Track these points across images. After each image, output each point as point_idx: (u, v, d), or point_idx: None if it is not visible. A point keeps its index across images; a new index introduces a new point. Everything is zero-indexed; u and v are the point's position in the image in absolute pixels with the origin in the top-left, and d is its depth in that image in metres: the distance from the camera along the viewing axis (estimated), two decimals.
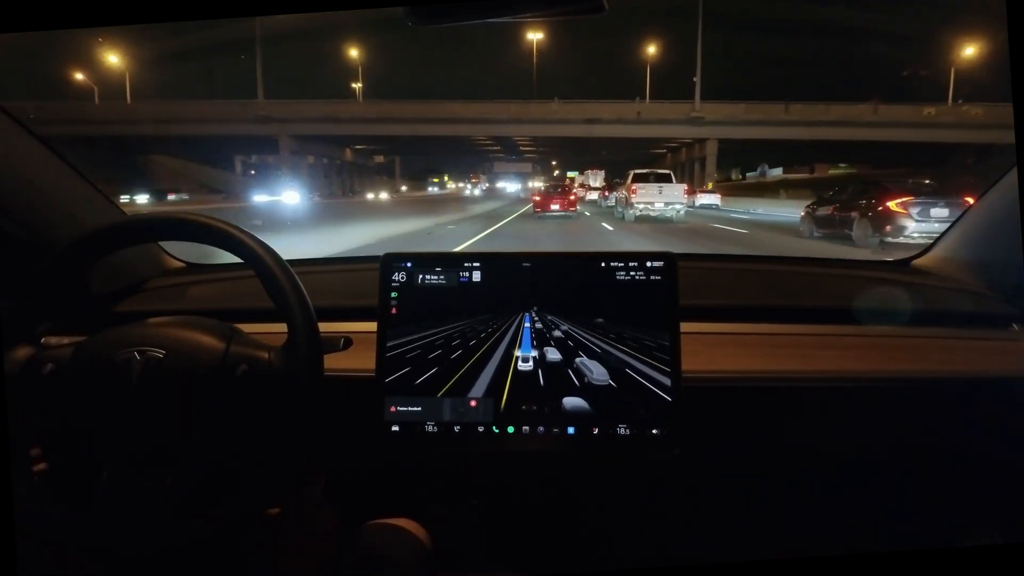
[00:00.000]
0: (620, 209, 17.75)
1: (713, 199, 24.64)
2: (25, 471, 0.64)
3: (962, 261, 1.02)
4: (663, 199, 16.28)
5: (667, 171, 17.62)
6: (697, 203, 22.56)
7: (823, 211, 9.83)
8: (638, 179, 16.85)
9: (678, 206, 16.18)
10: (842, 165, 44.70)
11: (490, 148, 56.87)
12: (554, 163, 70.56)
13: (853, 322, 0.92)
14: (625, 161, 51.04)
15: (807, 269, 1.19)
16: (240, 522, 0.77)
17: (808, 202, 11.09)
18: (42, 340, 0.74)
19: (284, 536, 0.83)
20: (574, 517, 0.85)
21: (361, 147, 53.32)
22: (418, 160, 67.28)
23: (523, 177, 66.24)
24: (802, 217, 10.50)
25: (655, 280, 0.82)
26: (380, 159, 67.18)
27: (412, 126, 39.54)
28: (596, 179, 42.54)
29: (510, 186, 55.31)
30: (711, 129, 40.19)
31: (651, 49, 41.63)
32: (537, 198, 19.15)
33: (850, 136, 33.11)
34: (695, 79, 38.10)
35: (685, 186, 17.14)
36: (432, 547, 0.83)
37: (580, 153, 61.17)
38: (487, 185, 63.59)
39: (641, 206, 15.93)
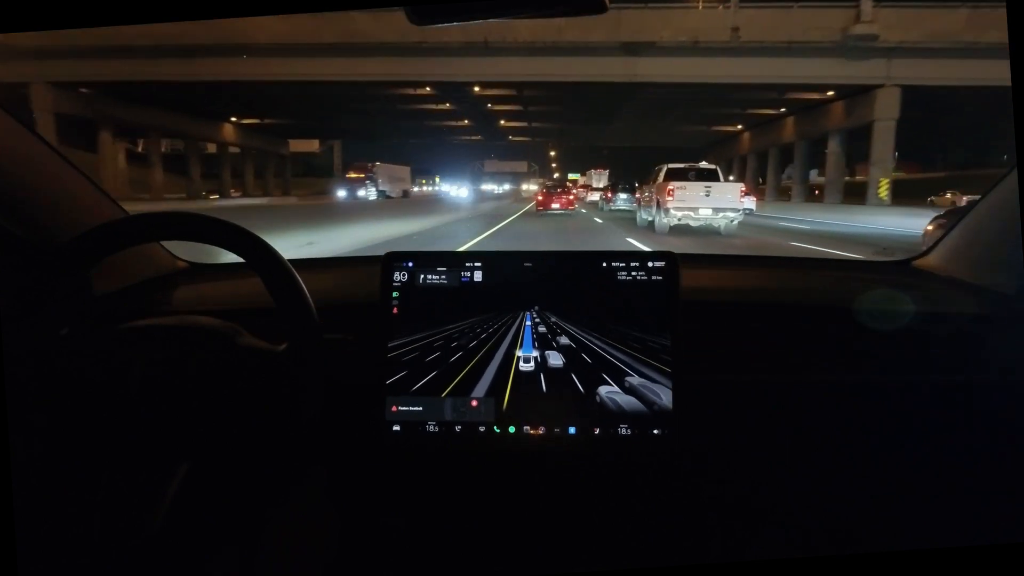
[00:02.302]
0: (646, 215, 14.69)
1: (747, 203, 19.24)
2: (27, 471, 0.71)
3: (963, 261, 1.12)
4: (711, 203, 12.52)
5: (712, 166, 14.29)
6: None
7: None
8: (674, 176, 13.28)
9: (731, 214, 12.70)
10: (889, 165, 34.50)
11: (449, 119, 35.04)
12: (554, 165, 65.92)
13: (854, 322, 1.02)
14: (634, 155, 43.50)
15: (807, 270, 1.30)
16: (241, 520, 0.83)
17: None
18: (44, 340, 0.82)
19: (284, 536, 0.91)
20: (575, 517, 0.94)
21: (253, 121, 31.43)
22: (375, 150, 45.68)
23: (516, 178, 60.03)
24: (928, 232, 7.53)
25: (656, 280, 0.90)
26: (312, 146, 45.02)
27: (262, 63, 21.12)
28: (600, 179, 40.29)
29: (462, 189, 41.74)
30: (886, 65, 12.72)
31: None
32: (540, 197, 21.93)
33: None
34: None
35: (741, 186, 13.80)
36: (432, 547, 0.93)
37: (588, 137, 48.57)
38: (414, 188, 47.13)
39: (680, 213, 12.48)
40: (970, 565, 0.64)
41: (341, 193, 36.10)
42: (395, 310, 0.90)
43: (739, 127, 35.65)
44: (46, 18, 0.65)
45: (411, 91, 27.69)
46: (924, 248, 1.21)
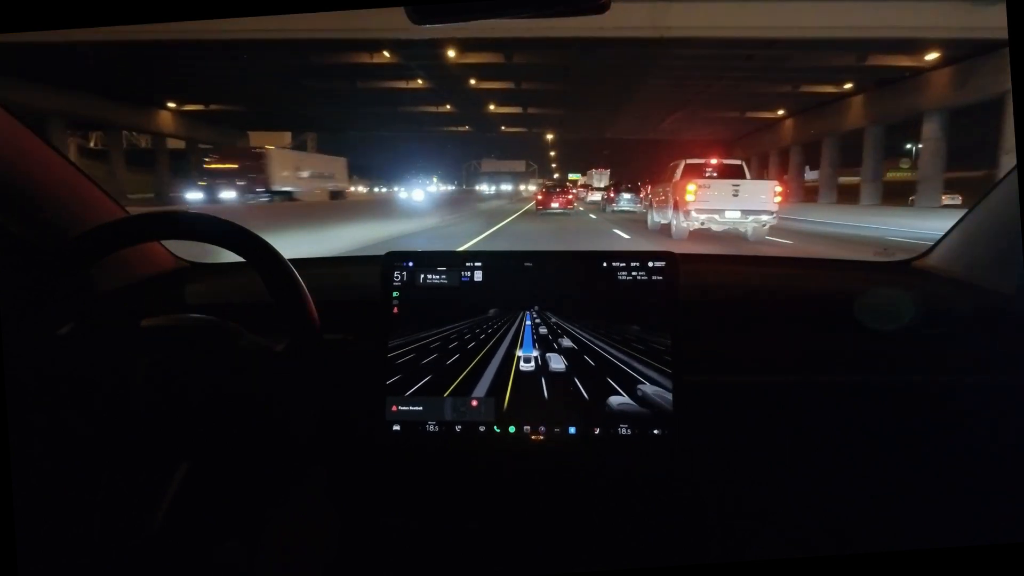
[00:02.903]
0: (659, 218, 12.85)
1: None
2: (27, 471, 0.74)
3: (962, 262, 1.13)
4: (739, 204, 10.77)
5: (738, 161, 12.48)
6: None
7: None
8: (693, 172, 11.59)
9: (764, 216, 10.78)
10: (904, 164, 32.52)
11: (427, 103, 29.48)
12: (554, 165, 65.78)
13: (854, 322, 1.02)
14: (637, 155, 41.56)
15: (807, 271, 1.31)
16: (241, 520, 0.83)
17: None
18: (44, 340, 0.83)
19: (284, 536, 0.91)
20: (575, 517, 0.96)
21: (196, 108, 25.66)
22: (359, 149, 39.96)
23: (515, 178, 58.13)
24: None
25: (656, 280, 0.91)
26: (283, 140, 41.86)
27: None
28: (601, 179, 38.91)
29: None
30: None
31: None
32: (539, 197, 23.24)
33: None
34: None
35: (776, 184, 11.39)
36: (432, 547, 0.94)
37: (594, 127, 41.75)
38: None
39: (703, 216, 10.72)
40: (970, 565, 0.65)
41: (196, 195, 23.62)
42: (395, 310, 0.90)
43: (780, 112, 29.43)
44: (46, 18, 0.64)
45: (367, 58, 21.45)
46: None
